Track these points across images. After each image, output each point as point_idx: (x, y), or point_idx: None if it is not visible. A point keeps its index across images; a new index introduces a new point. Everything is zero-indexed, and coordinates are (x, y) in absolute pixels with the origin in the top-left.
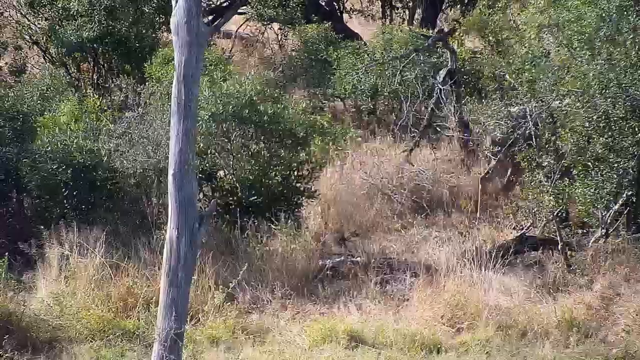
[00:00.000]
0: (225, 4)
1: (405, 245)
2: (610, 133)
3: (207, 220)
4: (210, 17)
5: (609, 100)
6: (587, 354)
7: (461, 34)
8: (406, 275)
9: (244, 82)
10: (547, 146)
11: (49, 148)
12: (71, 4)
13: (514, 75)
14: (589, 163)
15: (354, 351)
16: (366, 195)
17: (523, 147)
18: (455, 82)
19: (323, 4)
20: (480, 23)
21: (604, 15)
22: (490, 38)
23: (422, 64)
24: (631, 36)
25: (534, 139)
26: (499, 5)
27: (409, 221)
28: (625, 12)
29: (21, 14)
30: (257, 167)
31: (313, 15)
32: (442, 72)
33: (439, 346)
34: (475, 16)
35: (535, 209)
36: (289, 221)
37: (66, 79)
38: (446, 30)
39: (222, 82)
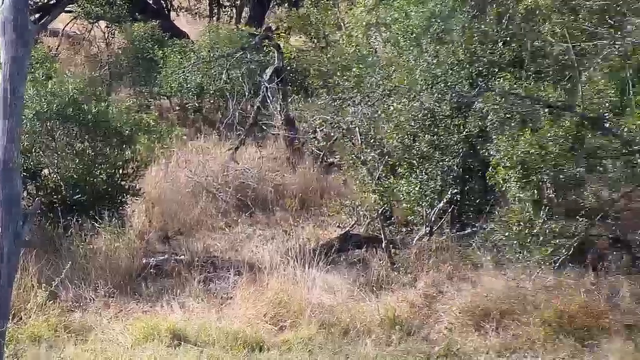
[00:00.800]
0: (52, 2)
1: (229, 243)
2: (435, 130)
3: (31, 219)
4: (37, 15)
5: (435, 97)
6: (409, 352)
7: (287, 32)
8: (230, 274)
9: (66, 80)
10: (371, 143)
11: None
12: None
13: (338, 73)
14: (414, 161)
15: (177, 349)
16: (191, 193)
17: (347, 144)
18: (281, 80)
19: (150, 2)
20: (303, 21)
21: (435, 13)
22: (315, 35)
23: (249, 62)
24: (460, 35)
25: (358, 136)
26: (324, 3)
27: (234, 219)
28: (455, 12)
29: None
30: (81, 166)
31: (140, 13)
32: (269, 70)
33: (262, 344)
34: (300, 14)
35: (360, 207)
36: (113, 219)
37: None
38: (273, 28)
39: (45, 81)
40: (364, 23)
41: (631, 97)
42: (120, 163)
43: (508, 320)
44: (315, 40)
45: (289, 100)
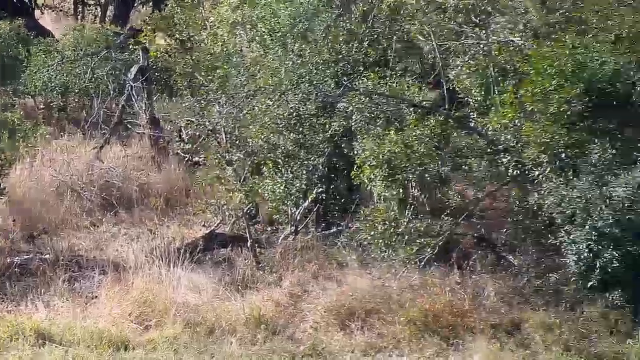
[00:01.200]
0: None
1: (94, 242)
2: (301, 130)
3: None
4: None
5: (300, 96)
6: (275, 351)
7: (153, 31)
8: (95, 273)
9: None
10: (237, 143)
11: None
12: None
13: (203, 73)
14: (279, 160)
15: (42, 349)
16: (56, 192)
17: (212, 144)
18: (146, 79)
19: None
20: (167, 20)
21: (300, 11)
22: (179, 36)
23: (114, 61)
24: (324, 35)
25: (223, 136)
26: (188, 3)
27: (99, 218)
28: (320, 10)
29: None
30: None
31: (3, 10)
32: (134, 69)
33: (127, 343)
34: (164, 15)
35: (225, 206)
36: None
37: None
38: (138, 27)
39: None
40: (230, 22)
41: (496, 97)
42: None
43: (373, 319)
44: (183, 40)
45: (154, 99)
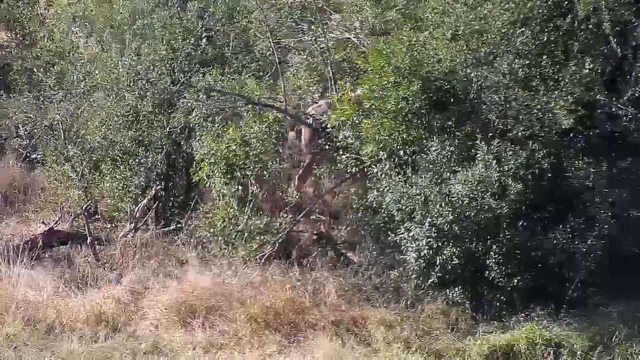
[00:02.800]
0: None
1: None
2: (138, 127)
3: None
4: None
5: (137, 93)
6: (116, 349)
7: None
8: None
9: None
10: (75, 139)
11: None
12: None
13: (42, 69)
14: (118, 157)
15: None
16: None
17: (50, 140)
18: None
19: None
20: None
21: (137, 8)
22: (19, 30)
23: None
24: (161, 32)
25: (61, 132)
26: None
27: None
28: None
29: None
30: None
31: None
32: None
33: None
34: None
35: (64, 203)
36: None
37: None
38: None
39: None
40: (69, 16)
41: (334, 94)
42: None
43: (214, 316)
44: (20, 36)
45: None
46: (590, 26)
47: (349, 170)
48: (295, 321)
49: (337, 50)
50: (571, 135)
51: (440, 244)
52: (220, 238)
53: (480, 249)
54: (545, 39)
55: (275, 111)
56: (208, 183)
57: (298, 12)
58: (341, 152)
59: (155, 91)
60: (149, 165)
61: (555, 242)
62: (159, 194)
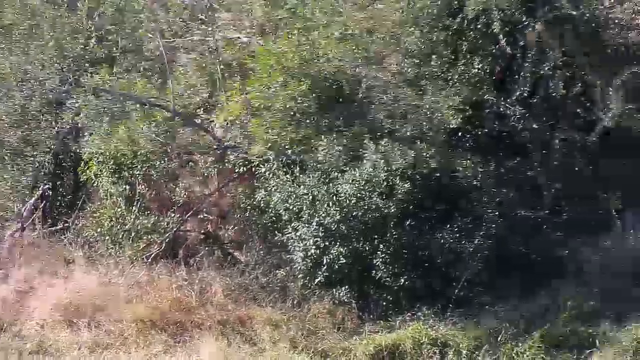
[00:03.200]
0: None
1: None
2: (27, 126)
3: None
4: None
5: (25, 93)
6: (1, 348)
7: None
8: None
9: None
10: None
11: None
12: None
13: None
14: (6, 156)
15: None
16: None
17: None
18: None
19: None
20: None
21: (26, 7)
22: None
23: None
24: (50, 31)
25: None
26: None
27: None
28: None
29: None
30: None
31: None
32: None
33: None
34: None
35: None
36: None
37: None
38: None
39: None
40: None
41: (222, 94)
42: None
43: (101, 316)
44: None
45: None
46: (480, 26)
47: (237, 170)
48: (181, 321)
49: (227, 49)
50: (459, 134)
51: (327, 243)
52: (107, 237)
53: (367, 248)
54: (435, 38)
55: (164, 111)
56: (96, 182)
57: (187, 11)
58: (229, 152)
59: (44, 91)
60: (37, 165)
61: (442, 241)
62: (47, 194)
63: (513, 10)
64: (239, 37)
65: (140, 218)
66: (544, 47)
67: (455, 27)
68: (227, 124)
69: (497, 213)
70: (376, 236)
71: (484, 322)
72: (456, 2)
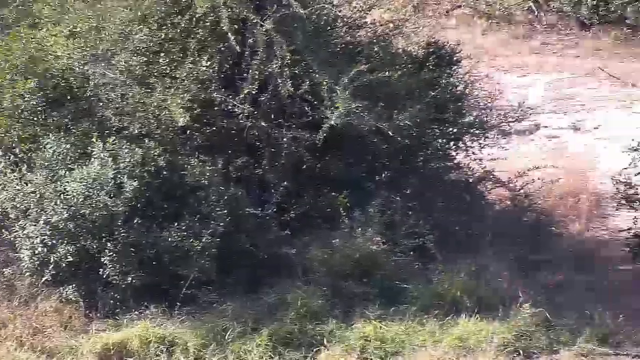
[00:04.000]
0: None
1: None
2: None
3: None
4: None
5: None
6: None
7: None
8: None
9: None
10: None
11: None
12: None
13: None
14: None
15: None
16: None
17: None
18: None
19: None
20: None
21: None
22: None
23: None
24: None
25: None
26: None
27: None
28: None
29: None
30: None
31: None
32: None
33: None
34: None
35: None
36: None
37: None
38: None
39: None
40: None
41: None
42: None
43: None
44: None
45: None
46: (209, 24)
47: None
48: None
49: None
50: (187, 132)
51: (54, 242)
52: None
53: (95, 246)
54: (163, 36)
55: None
56: None
57: None
58: None
59: None
60: None
61: (170, 240)
62: None
63: (242, 9)
64: None
65: None
66: (273, 46)
67: (183, 25)
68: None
69: (225, 211)
70: (104, 234)
71: (212, 320)
72: (184, 0)
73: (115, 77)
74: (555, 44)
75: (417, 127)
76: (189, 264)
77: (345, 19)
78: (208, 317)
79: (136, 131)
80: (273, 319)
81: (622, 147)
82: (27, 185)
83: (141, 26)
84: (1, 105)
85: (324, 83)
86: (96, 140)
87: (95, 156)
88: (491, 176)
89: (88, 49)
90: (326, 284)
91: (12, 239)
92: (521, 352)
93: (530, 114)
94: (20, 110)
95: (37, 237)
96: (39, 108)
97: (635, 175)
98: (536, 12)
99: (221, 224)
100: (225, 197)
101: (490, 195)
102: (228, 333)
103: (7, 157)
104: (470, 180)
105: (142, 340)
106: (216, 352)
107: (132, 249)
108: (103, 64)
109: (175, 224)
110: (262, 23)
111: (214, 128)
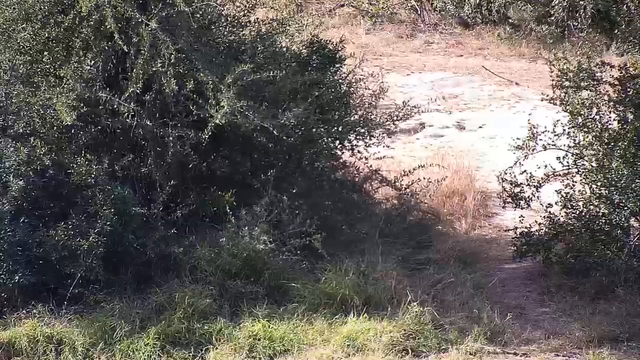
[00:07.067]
0: None
1: None
2: None
3: None
4: None
5: None
6: None
7: None
8: None
9: None
10: None
11: None
12: None
13: None
14: None
15: None
16: None
17: None
18: None
19: None
20: None
21: None
22: None
23: None
24: None
25: None
26: None
27: None
28: None
29: None
30: None
31: None
32: None
33: None
34: None
35: None
36: None
37: None
38: None
39: None
40: None
41: None
42: None
43: None
44: None
45: None
46: (93, 23)
47: None
48: None
49: None
50: (73, 131)
51: None
52: None
53: None
54: (47, 35)
55: None
56: None
57: None
58: None
59: None
60: None
61: (57, 239)
62: None
63: (127, 7)
64: None
65: None
66: (158, 44)
67: (67, 23)
68: None
69: (112, 210)
70: None
71: (100, 319)
72: None
73: None
74: (439, 43)
75: (302, 126)
76: (76, 262)
77: (229, 18)
78: (96, 316)
79: (21, 130)
80: (161, 318)
81: (507, 145)
82: None
83: (24, 25)
84: None
85: (209, 82)
86: None
87: None
88: (377, 175)
89: None
90: (214, 283)
91: None
92: (410, 350)
93: (415, 113)
94: None
95: None
96: None
97: (520, 174)
98: (419, 12)
99: (108, 222)
100: (112, 196)
101: (377, 195)
102: (116, 332)
103: None
104: (357, 180)
105: (30, 339)
106: (104, 350)
107: (18, 248)
108: None
109: (62, 222)
110: (147, 22)
111: (100, 127)
